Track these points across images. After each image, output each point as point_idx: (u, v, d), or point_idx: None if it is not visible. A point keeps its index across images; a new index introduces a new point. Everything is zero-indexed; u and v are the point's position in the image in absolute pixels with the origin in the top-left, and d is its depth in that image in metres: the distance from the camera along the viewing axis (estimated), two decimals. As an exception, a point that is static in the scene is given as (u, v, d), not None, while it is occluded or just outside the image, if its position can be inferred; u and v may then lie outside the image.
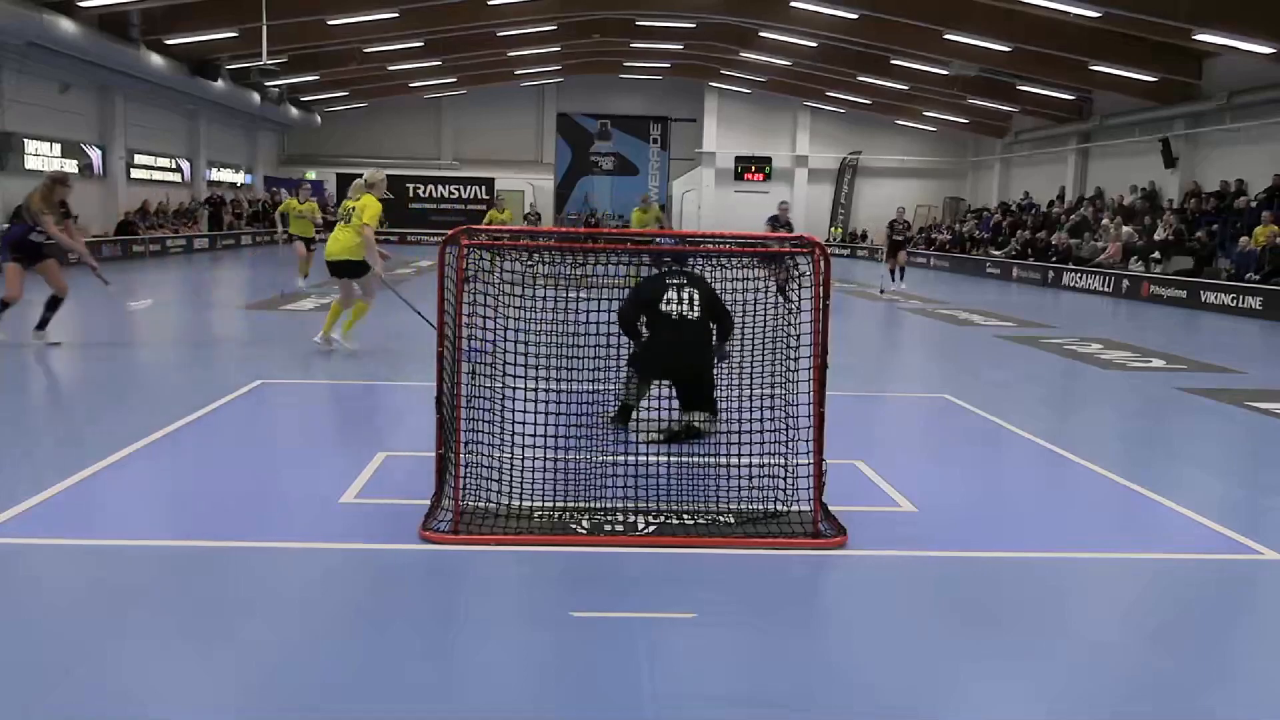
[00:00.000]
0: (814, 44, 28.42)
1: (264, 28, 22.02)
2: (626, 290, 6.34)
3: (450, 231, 4.89)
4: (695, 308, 6.45)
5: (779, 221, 16.62)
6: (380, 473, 5.75)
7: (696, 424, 6.43)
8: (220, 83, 27.50)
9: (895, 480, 5.85)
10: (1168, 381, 10.01)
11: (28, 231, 9.88)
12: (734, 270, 5.74)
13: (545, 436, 5.19)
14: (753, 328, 5.76)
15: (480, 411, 5.03)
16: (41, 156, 23.22)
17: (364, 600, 4.03)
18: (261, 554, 4.50)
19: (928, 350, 12.70)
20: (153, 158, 28.81)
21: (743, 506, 5.04)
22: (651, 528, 4.81)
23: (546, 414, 5.24)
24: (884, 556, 4.65)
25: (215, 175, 33.29)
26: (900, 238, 20.63)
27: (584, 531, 4.75)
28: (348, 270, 9.62)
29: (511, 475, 5.00)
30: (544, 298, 5.41)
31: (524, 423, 5.16)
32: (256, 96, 30.03)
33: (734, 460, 5.26)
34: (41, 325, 10.12)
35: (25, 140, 22.52)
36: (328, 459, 6.24)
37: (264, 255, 27.87)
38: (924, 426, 8.01)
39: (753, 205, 37.34)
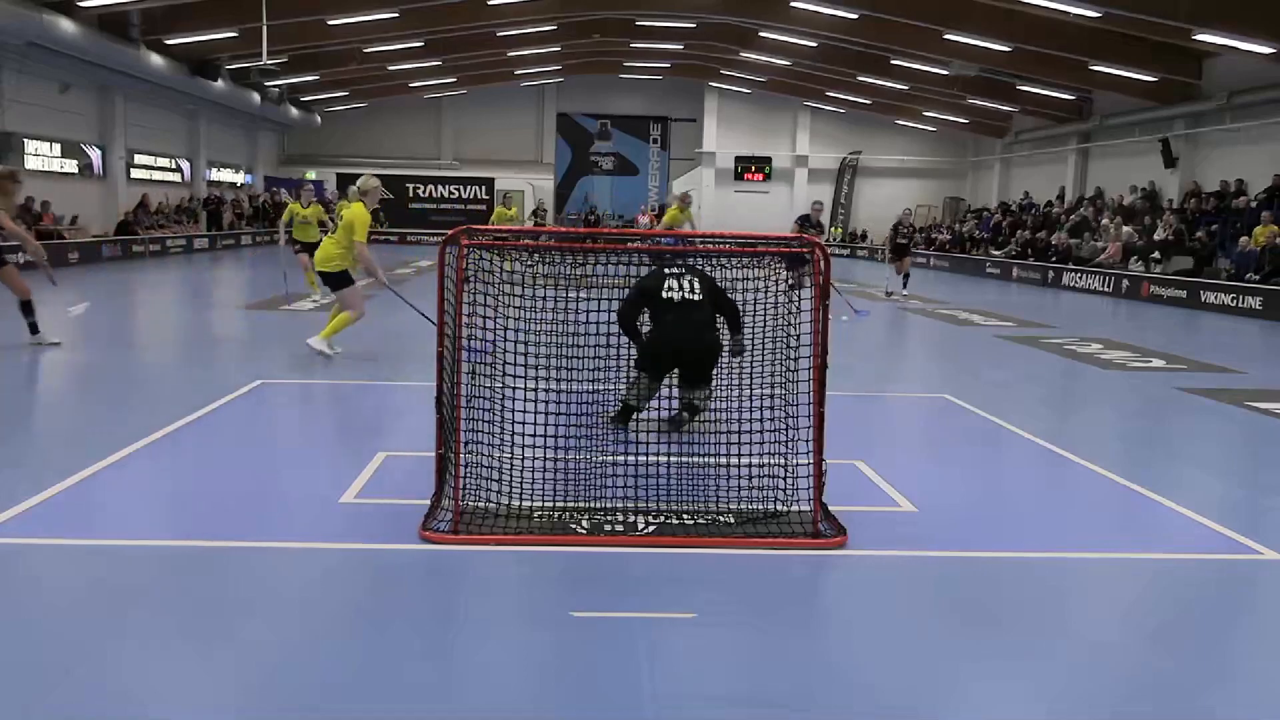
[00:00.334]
0: (814, 44, 28.42)
1: (264, 28, 22.02)
2: (627, 290, 6.34)
3: (450, 231, 4.90)
4: (696, 292, 6.52)
5: (809, 222, 15.76)
6: (380, 473, 5.75)
7: (695, 401, 6.47)
8: (220, 83, 27.50)
9: (895, 480, 5.85)
10: (1168, 381, 10.01)
11: None
12: (733, 270, 5.75)
13: (545, 436, 5.19)
14: (753, 327, 5.77)
15: (480, 411, 5.03)
16: (41, 156, 23.23)
17: (364, 600, 4.03)
18: (261, 554, 4.50)
19: (928, 350, 12.70)
20: (153, 158, 28.81)
21: (743, 506, 5.04)
22: (651, 528, 4.81)
23: (546, 414, 5.24)
24: (884, 556, 4.65)
25: (215, 175, 33.29)
26: (904, 240, 19.89)
27: (584, 531, 4.75)
28: (328, 280, 9.44)
29: (511, 475, 5.00)
30: (544, 298, 5.41)
31: (524, 423, 5.16)
32: (256, 96, 30.03)
33: (734, 460, 5.26)
34: (33, 330, 10.07)
35: (25, 140, 22.52)
36: (328, 459, 6.24)
37: (264, 255, 27.87)
38: (924, 426, 8.01)
39: (753, 205, 37.40)
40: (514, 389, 5.19)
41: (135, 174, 27.64)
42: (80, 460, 5.72)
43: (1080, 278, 23.77)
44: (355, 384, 8.64)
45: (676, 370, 6.63)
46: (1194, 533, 5.15)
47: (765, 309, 5.64)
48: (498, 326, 5.10)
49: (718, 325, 6.61)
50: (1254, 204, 21.10)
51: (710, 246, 6.52)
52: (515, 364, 5.23)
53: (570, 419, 5.39)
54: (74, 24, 20.14)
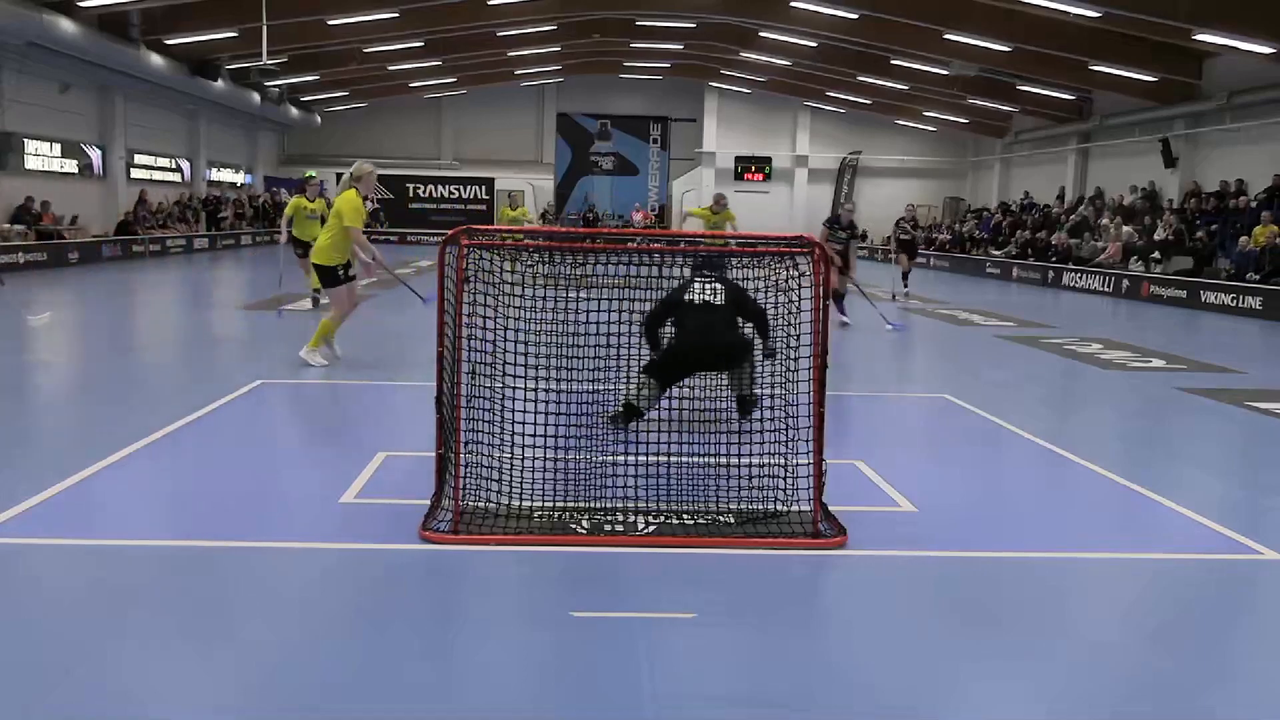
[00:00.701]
0: (814, 44, 28.42)
1: (264, 28, 22.01)
2: (625, 290, 6.35)
3: (450, 231, 4.90)
4: (718, 296, 6.72)
5: (839, 224, 14.41)
6: (380, 473, 5.75)
7: (744, 394, 6.70)
8: (220, 83, 27.49)
9: (895, 480, 5.85)
10: (1168, 381, 10.00)
11: None
12: (733, 270, 5.74)
13: (545, 436, 5.19)
14: (753, 327, 5.76)
15: (480, 411, 5.02)
16: (41, 156, 23.23)
17: (364, 600, 4.03)
18: (261, 554, 4.50)
19: (928, 350, 12.70)
20: (153, 158, 28.81)
21: (743, 506, 5.04)
22: (651, 528, 4.81)
23: (546, 414, 5.24)
24: (884, 556, 4.65)
25: (215, 175, 33.29)
26: (907, 237, 19.39)
27: (584, 531, 4.75)
28: (320, 275, 9.13)
29: (511, 475, 4.99)
30: (544, 298, 5.41)
31: (524, 423, 5.16)
32: (256, 96, 30.02)
33: (734, 460, 5.26)
34: None
35: (25, 140, 22.52)
36: (328, 459, 6.24)
37: (264, 255, 27.86)
38: (924, 426, 8.01)
39: (753, 205, 37.35)
40: (514, 389, 5.18)
41: (135, 174, 27.64)
42: (80, 460, 5.72)
43: (1080, 278, 23.77)
44: (355, 384, 8.64)
45: (699, 371, 6.83)
46: (1194, 533, 5.15)
47: (764, 309, 5.64)
48: (498, 326, 5.09)
49: (740, 326, 6.76)
50: (1254, 204, 21.10)
51: (710, 247, 6.52)
52: (515, 364, 5.23)
53: (570, 419, 5.39)
54: (74, 24, 20.14)
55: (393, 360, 9.83)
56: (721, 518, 4.95)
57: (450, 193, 39.19)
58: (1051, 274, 25.13)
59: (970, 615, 4.03)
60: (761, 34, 28.65)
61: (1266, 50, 18.93)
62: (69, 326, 11.84)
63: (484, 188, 39.00)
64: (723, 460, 5.35)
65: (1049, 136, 31.36)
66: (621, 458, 5.31)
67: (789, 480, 4.98)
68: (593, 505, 5.03)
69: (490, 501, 4.87)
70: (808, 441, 4.90)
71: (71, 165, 24.57)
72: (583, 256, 5.31)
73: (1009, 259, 28.11)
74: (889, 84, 31.08)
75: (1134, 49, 22.25)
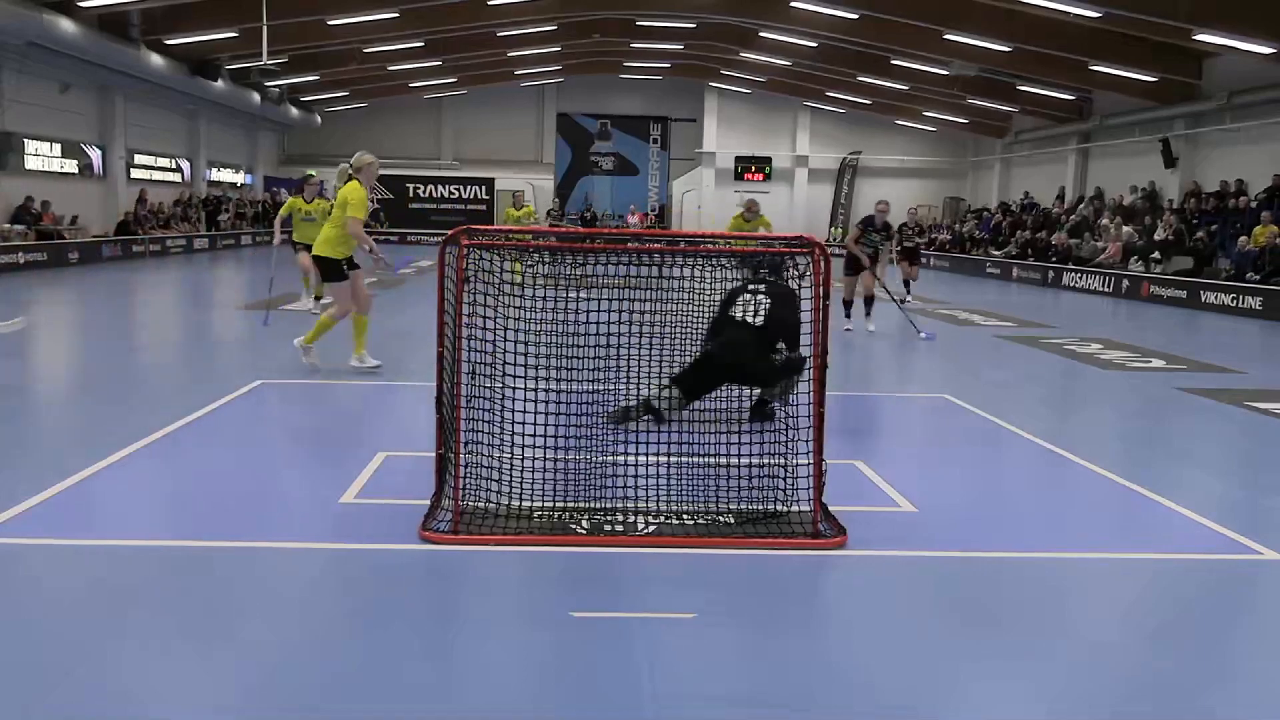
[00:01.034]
0: (814, 44, 28.41)
1: (264, 28, 22.01)
2: (625, 290, 6.35)
3: (450, 231, 4.89)
4: (760, 314, 6.92)
5: (872, 225, 13.45)
6: (380, 473, 5.75)
7: (766, 397, 6.88)
8: (220, 83, 27.48)
9: (895, 480, 5.85)
10: (1168, 381, 10.01)
11: None
12: (734, 270, 5.74)
13: (545, 436, 5.19)
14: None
15: (480, 411, 5.02)
16: (41, 156, 23.23)
17: (364, 600, 4.02)
18: (261, 554, 4.50)
19: (928, 350, 12.69)
20: (153, 158, 28.81)
21: (743, 506, 5.04)
22: (651, 528, 4.81)
23: (546, 414, 5.24)
24: (884, 556, 4.65)
25: (215, 175, 33.29)
26: (910, 244, 18.18)
27: (584, 531, 4.75)
28: (322, 268, 8.90)
29: (511, 475, 4.99)
30: (544, 298, 5.41)
31: (524, 423, 5.16)
32: (256, 96, 30.02)
33: (734, 460, 5.26)
34: None
35: (25, 140, 22.52)
36: (328, 459, 6.24)
37: (264, 255, 27.86)
38: (924, 426, 8.00)
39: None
40: (514, 389, 5.18)
41: (135, 174, 27.64)
42: (80, 460, 5.72)
43: (1080, 278, 23.77)
44: (355, 384, 8.63)
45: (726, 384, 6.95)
46: (1194, 533, 5.15)
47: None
48: (498, 326, 5.09)
49: (774, 350, 6.94)
50: (1254, 204, 21.10)
51: (710, 247, 6.51)
52: (515, 364, 5.23)
53: (570, 419, 5.39)
54: (74, 24, 20.13)
55: (393, 360, 9.82)
56: (721, 518, 4.95)
57: (450, 193, 39.17)
58: (1051, 274, 25.13)
59: (970, 615, 4.03)
60: (761, 34, 28.65)
61: (1266, 50, 18.93)
62: (66, 326, 11.85)
63: (484, 188, 38.99)
64: (723, 460, 5.35)
65: (1049, 136, 31.35)
66: (621, 458, 5.31)
67: (789, 480, 4.98)
68: (593, 505, 5.03)
69: (490, 501, 4.87)
70: (808, 441, 4.90)
71: (71, 165, 24.57)
72: (582, 257, 5.31)
73: (1009, 259, 28.11)
74: (889, 84, 31.07)
75: (1134, 49, 22.25)
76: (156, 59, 24.02)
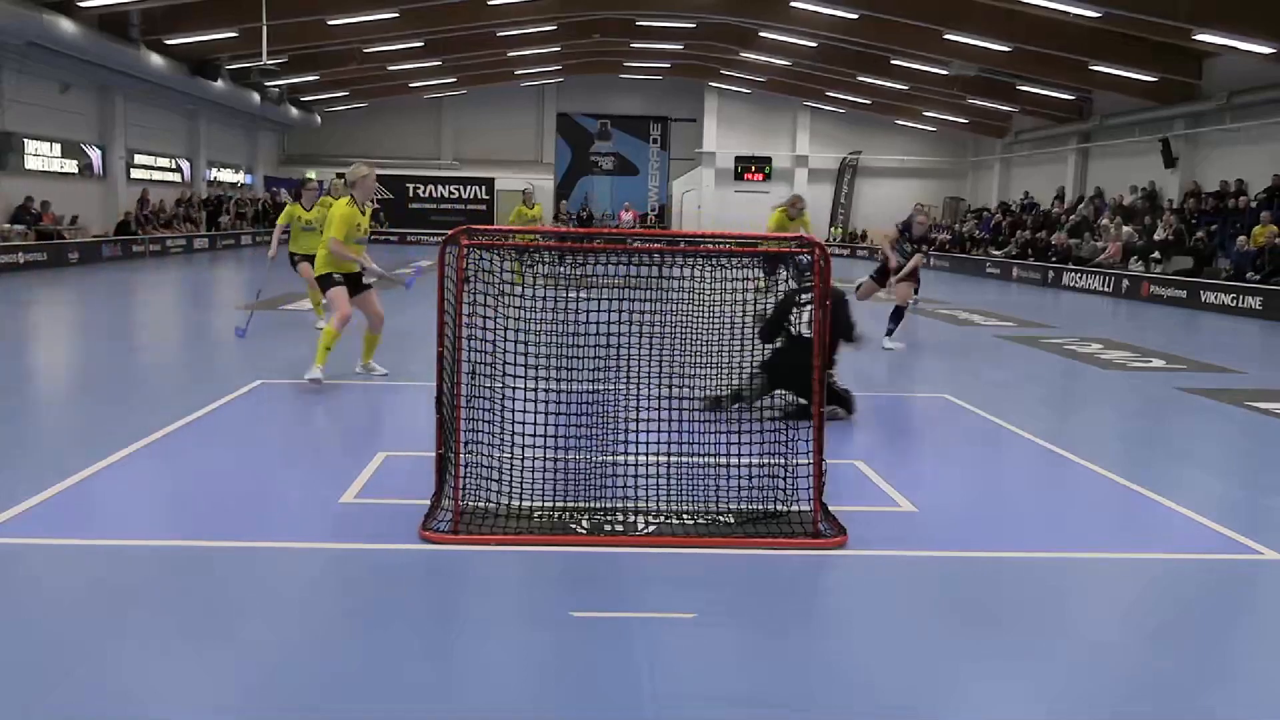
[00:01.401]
0: (814, 44, 28.41)
1: (264, 28, 22.00)
2: (625, 290, 6.35)
3: (450, 231, 4.89)
4: (809, 326, 7.15)
5: (909, 233, 12.25)
6: (380, 473, 5.75)
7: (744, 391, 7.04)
8: (220, 83, 27.48)
9: (895, 480, 5.85)
10: (1168, 381, 10.01)
11: None
12: (734, 270, 5.73)
13: (545, 436, 5.19)
14: (752, 328, 5.76)
15: (480, 411, 5.03)
16: (41, 156, 23.23)
17: (364, 600, 4.02)
18: (261, 554, 4.50)
19: (927, 350, 12.69)
20: (153, 158, 28.80)
21: (743, 506, 5.04)
22: (651, 528, 4.81)
23: (546, 414, 5.24)
24: (884, 556, 4.65)
25: (215, 175, 33.28)
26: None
27: (584, 531, 4.75)
28: (319, 282, 8.65)
29: (511, 475, 4.99)
30: (544, 298, 5.41)
31: (524, 423, 5.16)
32: (256, 96, 30.02)
33: (734, 460, 5.26)
34: None
35: (25, 140, 22.51)
36: (328, 459, 6.24)
37: (264, 256, 27.86)
38: (924, 426, 8.00)
39: (753, 205, 37.35)
40: (514, 389, 5.18)
41: (135, 174, 27.64)
42: (80, 460, 5.72)
43: (1080, 278, 23.77)
44: (355, 384, 8.63)
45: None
46: (1194, 533, 5.15)
47: (765, 309, 5.63)
48: (498, 326, 5.09)
49: (828, 365, 7.20)
50: (1254, 204, 21.10)
51: (710, 247, 6.51)
52: (515, 364, 5.23)
53: (570, 419, 5.39)
54: (74, 24, 20.13)
55: (393, 360, 9.81)
56: (721, 518, 4.95)
57: (450, 193, 39.18)
58: (1051, 274, 25.13)
59: (970, 615, 4.03)
60: (761, 34, 28.65)
61: (1266, 50, 18.93)
62: (63, 327, 11.86)
63: (484, 188, 38.99)
64: (723, 460, 5.35)
65: (1049, 136, 31.35)
66: (621, 458, 5.31)
67: (789, 480, 4.98)
68: (593, 505, 5.03)
69: (490, 501, 4.87)
70: (808, 441, 4.90)
71: (71, 165, 24.57)
72: (582, 256, 5.31)
73: (1009, 259, 28.10)
74: (889, 84, 31.07)
75: (1134, 49, 22.24)
76: (156, 59, 24.02)
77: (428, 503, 4.91)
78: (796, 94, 36.41)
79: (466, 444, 4.94)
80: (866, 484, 5.82)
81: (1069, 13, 19.65)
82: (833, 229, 38.49)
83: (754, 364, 6.52)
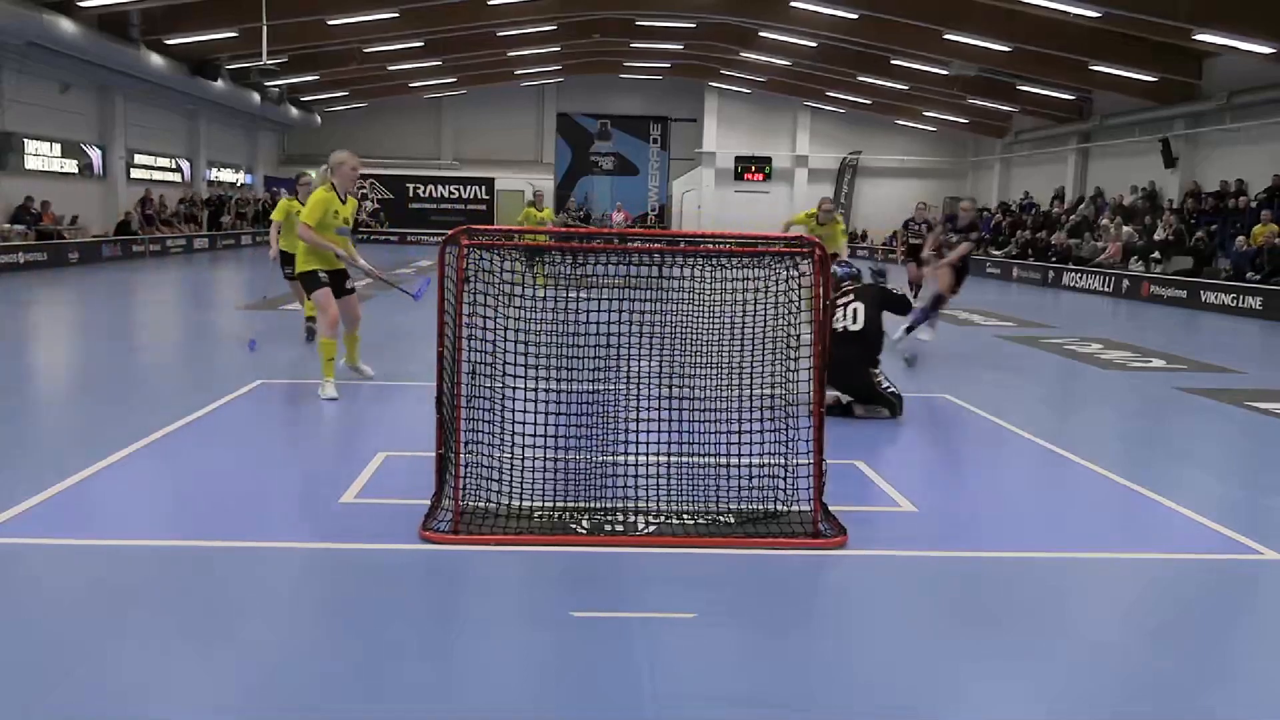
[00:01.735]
0: (814, 44, 28.41)
1: (264, 28, 22.00)
2: (625, 290, 6.34)
3: (450, 231, 4.89)
4: (859, 320, 7.71)
5: (954, 225, 12.01)
6: (380, 473, 5.75)
7: (867, 408, 7.62)
8: (220, 83, 27.49)
9: (895, 480, 5.85)
10: (1168, 381, 10.01)
11: None
12: (734, 270, 5.72)
13: (545, 436, 5.19)
14: (753, 328, 5.75)
15: (480, 411, 5.02)
16: (41, 156, 23.23)
17: (364, 600, 4.02)
18: (261, 554, 4.50)
19: (927, 350, 12.69)
20: (153, 158, 28.81)
21: (743, 506, 5.04)
22: (651, 528, 4.81)
23: (547, 414, 5.24)
24: (884, 556, 4.65)
25: (215, 175, 33.28)
26: (919, 241, 15.53)
27: (584, 531, 4.75)
28: (302, 283, 8.16)
29: (511, 475, 4.99)
30: (544, 298, 5.41)
31: (524, 423, 5.16)
32: (256, 96, 30.02)
33: (734, 460, 5.26)
34: None
35: (25, 140, 22.52)
36: (328, 459, 6.25)
37: (264, 256, 27.86)
38: (924, 426, 8.00)
39: (753, 205, 37.37)
40: (514, 389, 5.18)
41: (135, 174, 27.65)
42: (80, 460, 5.72)
43: (1080, 278, 23.77)
44: (355, 384, 8.63)
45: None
46: (1194, 533, 5.15)
47: (765, 309, 5.63)
48: (498, 326, 5.09)
49: (873, 364, 7.71)
50: (1254, 204, 21.10)
51: (710, 246, 6.51)
52: (515, 364, 5.23)
53: (570, 419, 5.39)
54: (74, 24, 20.13)
55: (393, 360, 9.82)
56: (721, 518, 4.95)
57: (450, 193, 39.19)
58: (1051, 274, 25.13)
59: (970, 615, 4.03)
60: (761, 34, 28.65)
61: (1266, 50, 18.93)
62: (63, 326, 11.86)
63: (484, 188, 39.00)
64: (723, 460, 5.35)
65: (1049, 136, 31.36)
66: (621, 458, 5.31)
67: (789, 480, 4.98)
68: (593, 505, 5.03)
69: (490, 501, 4.87)
70: (808, 441, 4.90)
71: (71, 165, 24.57)
72: (582, 257, 5.31)
73: (1009, 259, 28.11)
74: (889, 84, 31.07)
75: (1134, 49, 22.25)
76: (156, 59, 24.03)
77: (428, 503, 4.91)
78: (796, 94, 36.41)
79: (466, 444, 4.94)
80: (866, 484, 5.82)
81: (1069, 13, 19.66)
82: (833, 229, 38.40)
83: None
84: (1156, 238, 22.87)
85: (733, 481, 5.19)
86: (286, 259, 10.75)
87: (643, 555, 4.53)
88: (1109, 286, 22.43)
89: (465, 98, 38.37)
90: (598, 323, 5.39)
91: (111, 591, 4.03)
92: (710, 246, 5.66)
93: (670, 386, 6.54)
